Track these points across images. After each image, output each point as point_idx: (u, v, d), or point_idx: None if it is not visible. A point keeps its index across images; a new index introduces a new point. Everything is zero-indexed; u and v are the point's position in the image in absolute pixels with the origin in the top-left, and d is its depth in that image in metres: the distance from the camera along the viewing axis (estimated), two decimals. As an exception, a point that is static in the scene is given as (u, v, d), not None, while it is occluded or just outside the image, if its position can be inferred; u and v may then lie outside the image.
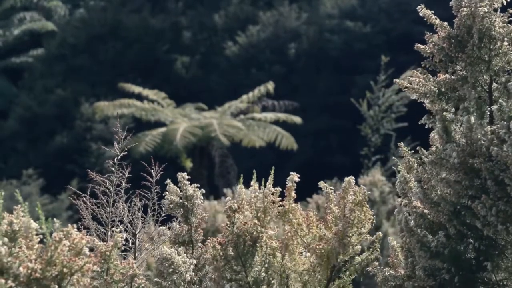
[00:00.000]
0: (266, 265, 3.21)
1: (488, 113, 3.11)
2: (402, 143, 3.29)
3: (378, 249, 3.29)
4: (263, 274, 3.21)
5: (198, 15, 34.59)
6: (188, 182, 3.37)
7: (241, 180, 3.45)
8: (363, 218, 3.19)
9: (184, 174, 3.36)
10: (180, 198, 3.36)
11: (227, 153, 23.71)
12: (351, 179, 3.26)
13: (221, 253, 3.16)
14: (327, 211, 3.24)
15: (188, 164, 23.55)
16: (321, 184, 3.25)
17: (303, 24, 32.84)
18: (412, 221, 3.13)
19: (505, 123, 2.88)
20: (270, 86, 24.51)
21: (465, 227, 3.00)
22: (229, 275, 3.14)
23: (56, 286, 2.46)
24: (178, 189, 3.36)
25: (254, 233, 3.18)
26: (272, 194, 3.30)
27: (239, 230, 3.16)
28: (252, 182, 3.37)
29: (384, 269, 3.25)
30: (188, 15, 34.73)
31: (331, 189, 3.27)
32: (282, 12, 33.33)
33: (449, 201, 3.01)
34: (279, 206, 3.29)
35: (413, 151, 3.30)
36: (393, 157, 3.31)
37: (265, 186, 3.36)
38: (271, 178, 3.35)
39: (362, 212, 3.20)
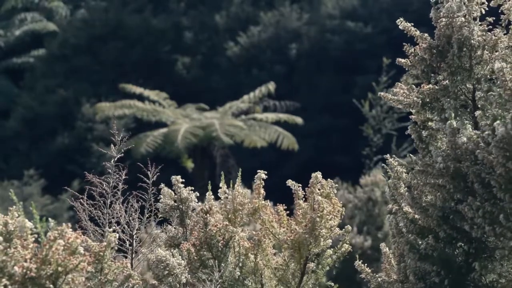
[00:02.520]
0: (240, 265, 3.22)
1: (470, 119, 3.14)
2: (388, 155, 3.30)
3: (347, 242, 3.30)
4: (238, 273, 3.22)
5: (200, 15, 34.61)
6: (182, 185, 3.37)
7: (222, 179, 3.45)
8: (332, 210, 3.19)
9: (178, 177, 3.37)
10: (175, 201, 3.36)
11: (229, 153, 23.71)
12: (318, 174, 3.26)
13: (195, 255, 3.18)
14: (296, 207, 3.26)
15: (190, 164, 23.56)
16: (289, 182, 3.25)
17: (304, 25, 32.85)
18: (403, 226, 3.15)
19: (488, 126, 2.89)
20: (271, 86, 24.52)
21: (455, 231, 3.02)
22: (204, 276, 3.16)
23: (51, 285, 2.45)
24: (172, 192, 3.37)
25: (226, 234, 3.19)
26: (241, 195, 3.33)
27: (212, 231, 3.19)
28: (221, 184, 3.40)
29: (377, 275, 3.26)
30: (190, 15, 34.75)
31: (298, 186, 3.27)
32: (283, 13, 33.34)
33: (437, 206, 3.02)
34: (249, 204, 3.32)
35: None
36: (383, 164, 3.32)
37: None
38: (239, 180, 3.37)
39: (330, 205, 3.20)
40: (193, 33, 34.19)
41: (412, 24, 3.31)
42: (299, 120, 23.87)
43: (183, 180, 3.41)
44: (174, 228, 3.37)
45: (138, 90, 24.31)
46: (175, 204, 3.38)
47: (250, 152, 25.52)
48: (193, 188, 3.43)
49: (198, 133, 22.89)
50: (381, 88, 18.51)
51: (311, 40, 32.22)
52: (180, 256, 3.16)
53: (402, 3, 30.85)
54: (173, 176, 3.37)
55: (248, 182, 3.49)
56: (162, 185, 3.37)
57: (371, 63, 28.06)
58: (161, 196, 3.38)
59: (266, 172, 3.32)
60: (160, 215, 3.37)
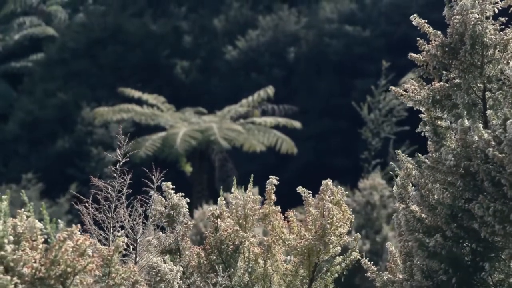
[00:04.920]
0: (249, 270, 3.23)
1: (479, 118, 3.14)
2: (399, 150, 3.30)
3: (357, 250, 3.31)
4: (247, 278, 3.22)
5: (200, 19, 34.61)
6: (173, 192, 3.37)
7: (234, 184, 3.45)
8: (341, 217, 3.19)
9: (169, 183, 3.36)
10: (165, 208, 3.36)
11: (227, 157, 23.71)
12: (328, 181, 3.26)
13: (205, 260, 3.18)
14: (306, 214, 3.26)
15: (188, 168, 23.55)
16: (299, 189, 3.26)
17: (302, 28, 32.86)
18: (410, 225, 3.15)
19: (500, 125, 2.89)
20: (270, 91, 24.52)
21: (462, 230, 3.02)
22: (214, 280, 3.16)
23: (60, 286, 2.46)
24: (163, 199, 3.36)
25: (237, 239, 3.20)
26: (253, 201, 3.33)
27: (222, 236, 3.19)
28: (233, 189, 3.39)
29: (383, 274, 3.26)
30: (190, 20, 34.75)
31: (309, 193, 3.28)
32: (282, 16, 33.35)
33: (446, 205, 3.03)
34: (260, 209, 3.32)
35: (411, 156, 3.31)
36: (391, 163, 3.33)
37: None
38: (250, 186, 3.37)
39: (340, 212, 3.20)
40: (193, 37, 34.20)
41: (426, 21, 3.29)
42: (297, 124, 23.87)
43: (174, 186, 3.41)
44: (165, 234, 3.36)
45: (136, 94, 24.31)
46: (166, 210, 3.37)
47: (249, 156, 25.51)
48: (183, 194, 3.42)
49: (197, 137, 22.88)
50: (380, 91, 18.51)
51: (309, 43, 32.23)
52: (171, 262, 3.16)
53: (400, 6, 30.86)
54: (163, 183, 3.36)
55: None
56: (152, 192, 3.36)
57: (369, 67, 28.08)
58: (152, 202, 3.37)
59: (278, 178, 3.33)
60: (157, 221, 3.37)
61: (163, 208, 3.35)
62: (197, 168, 23.36)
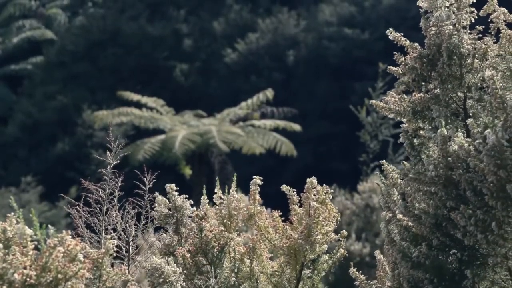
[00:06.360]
0: (235, 270, 3.23)
1: (462, 127, 3.14)
2: (384, 161, 3.30)
3: (343, 247, 3.31)
4: (233, 279, 3.23)
5: (199, 22, 34.66)
6: (176, 193, 3.37)
7: (218, 186, 3.45)
8: (327, 216, 3.19)
9: (172, 185, 3.37)
10: (169, 209, 3.36)
11: (226, 159, 23.71)
12: (313, 179, 3.26)
13: (190, 261, 3.18)
14: (292, 213, 3.26)
15: (187, 171, 23.56)
16: (284, 187, 3.25)
17: (301, 31, 32.90)
18: (397, 234, 3.15)
19: (480, 134, 2.89)
20: (269, 93, 24.53)
21: (448, 238, 3.01)
22: (200, 281, 3.16)
23: (51, 293, 2.45)
24: (167, 200, 3.37)
25: (222, 239, 3.20)
26: (236, 200, 3.34)
27: (207, 237, 3.20)
28: (216, 189, 3.40)
29: (372, 282, 3.26)
30: (189, 22, 34.79)
31: (293, 191, 3.28)
32: (281, 20, 33.39)
33: (430, 214, 3.02)
34: (245, 210, 3.33)
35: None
36: (376, 172, 3.31)
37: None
38: (234, 185, 3.38)
39: (326, 210, 3.20)
40: (192, 39, 34.24)
41: (402, 35, 3.29)
42: (297, 127, 23.87)
43: (178, 188, 3.41)
44: (169, 236, 3.38)
45: (135, 97, 24.31)
46: (170, 212, 3.38)
47: (249, 159, 25.52)
48: (187, 196, 3.43)
49: (196, 140, 22.89)
50: (377, 94, 18.52)
51: (308, 47, 32.27)
52: (175, 264, 3.17)
53: (399, 9, 30.90)
54: (167, 184, 3.37)
55: (246, 189, 3.50)
56: (157, 193, 3.38)
57: (368, 70, 28.11)
58: (156, 204, 3.39)
59: (261, 178, 3.33)
60: (156, 223, 3.38)
61: (167, 210, 3.36)
62: (196, 171, 23.35)
